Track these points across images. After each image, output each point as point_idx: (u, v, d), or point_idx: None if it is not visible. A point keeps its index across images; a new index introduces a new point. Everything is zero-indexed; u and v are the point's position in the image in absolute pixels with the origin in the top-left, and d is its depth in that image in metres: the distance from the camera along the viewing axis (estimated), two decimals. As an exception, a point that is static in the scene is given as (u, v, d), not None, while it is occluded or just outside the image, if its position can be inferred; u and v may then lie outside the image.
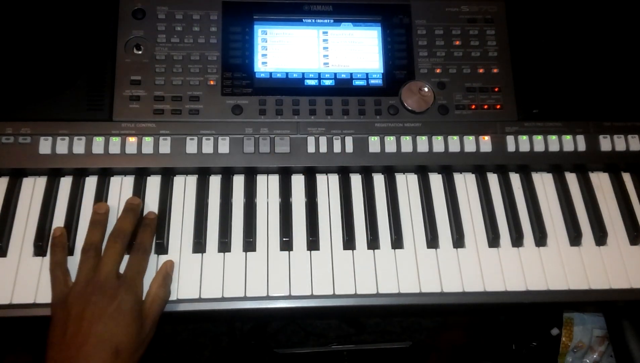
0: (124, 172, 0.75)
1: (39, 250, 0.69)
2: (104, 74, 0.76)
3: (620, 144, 0.79)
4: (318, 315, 1.10)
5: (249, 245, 0.71)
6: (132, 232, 0.69)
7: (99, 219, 0.69)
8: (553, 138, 0.78)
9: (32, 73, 0.75)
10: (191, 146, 0.74)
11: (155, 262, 0.70)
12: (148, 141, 0.74)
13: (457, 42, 0.81)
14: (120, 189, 0.74)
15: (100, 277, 0.63)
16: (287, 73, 0.79)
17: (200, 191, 0.75)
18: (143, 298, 0.65)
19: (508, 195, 0.77)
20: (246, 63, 0.78)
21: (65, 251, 0.68)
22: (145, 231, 0.70)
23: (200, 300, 0.68)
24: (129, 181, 0.75)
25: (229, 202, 0.74)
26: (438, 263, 0.72)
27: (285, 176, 0.77)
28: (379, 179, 0.78)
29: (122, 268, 0.66)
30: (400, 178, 0.78)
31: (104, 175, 0.75)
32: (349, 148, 0.76)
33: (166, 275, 0.68)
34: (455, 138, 0.77)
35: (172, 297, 0.67)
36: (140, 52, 0.77)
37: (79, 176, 0.75)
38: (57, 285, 0.65)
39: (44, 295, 0.66)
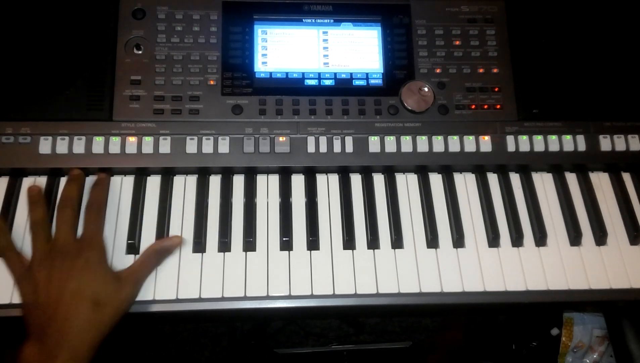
0: (123, 172, 0.75)
1: (39, 250, 0.69)
2: (104, 74, 0.76)
3: (620, 144, 0.78)
4: (318, 315, 1.10)
5: (249, 244, 0.71)
6: (79, 199, 0.69)
7: (35, 199, 0.68)
8: (553, 138, 0.78)
9: (32, 73, 0.75)
10: (191, 146, 0.74)
11: (155, 262, 0.70)
12: (148, 141, 0.74)
13: (457, 42, 0.81)
14: (121, 189, 0.74)
15: (58, 243, 0.63)
16: (287, 73, 0.79)
17: (200, 191, 0.75)
18: (108, 254, 0.66)
19: (508, 195, 0.77)
20: (246, 63, 0.78)
21: (7, 237, 0.67)
22: (96, 189, 0.70)
23: (200, 300, 0.68)
24: (129, 180, 0.75)
25: (229, 202, 0.74)
26: (438, 263, 0.72)
27: (285, 176, 0.77)
28: (379, 179, 0.78)
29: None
30: (400, 177, 0.78)
31: (104, 175, 0.75)
32: (349, 148, 0.76)
33: (170, 245, 0.68)
34: (455, 137, 0.77)
35: (172, 297, 0.67)
36: (140, 52, 0.78)
37: (79, 176, 0.75)
38: (13, 266, 0.64)
39: (44, 295, 0.66)
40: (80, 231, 0.68)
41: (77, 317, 0.58)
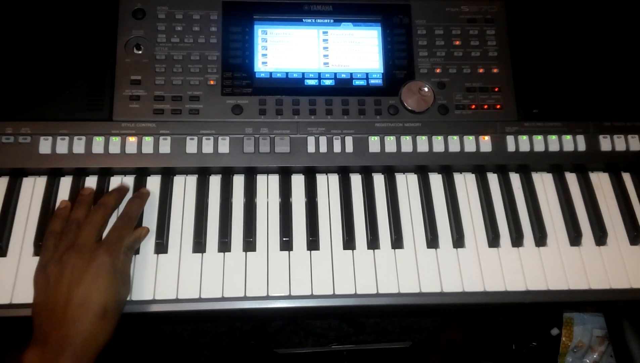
0: (124, 172, 0.75)
1: (39, 250, 0.69)
2: (104, 74, 0.76)
3: (620, 144, 0.78)
4: (318, 315, 1.10)
5: (249, 244, 0.71)
6: (115, 208, 0.70)
7: (84, 199, 0.70)
8: (553, 138, 0.78)
9: (33, 73, 0.75)
10: (191, 146, 0.74)
11: (155, 261, 0.70)
12: (148, 141, 0.74)
13: (457, 42, 0.81)
14: (120, 189, 0.74)
15: (79, 241, 0.63)
16: (287, 73, 0.79)
17: (200, 191, 0.75)
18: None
19: (508, 195, 0.77)
20: (246, 63, 0.78)
21: (63, 224, 0.68)
22: (134, 201, 0.71)
23: (200, 300, 0.68)
24: (129, 181, 0.75)
25: (229, 202, 0.74)
26: (438, 263, 0.72)
27: (285, 176, 0.77)
28: (379, 179, 0.78)
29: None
30: (400, 178, 0.78)
31: (104, 175, 0.75)
32: (349, 148, 0.76)
33: (139, 237, 0.69)
34: (455, 137, 0.77)
35: (172, 297, 0.67)
36: (140, 52, 0.77)
37: (79, 176, 0.75)
38: (44, 253, 0.65)
39: (44, 295, 0.66)
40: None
41: (83, 324, 0.58)
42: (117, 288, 0.62)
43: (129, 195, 0.74)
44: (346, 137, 0.76)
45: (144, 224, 0.72)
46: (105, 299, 0.60)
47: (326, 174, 0.78)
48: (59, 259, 0.62)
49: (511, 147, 0.77)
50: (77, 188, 0.74)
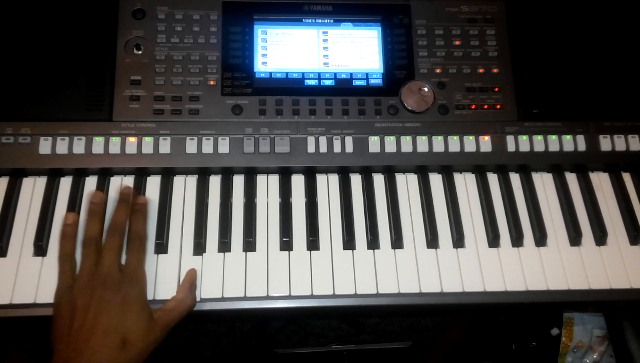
0: (123, 172, 0.75)
1: (39, 250, 0.69)
2: (104, 74, 0.76)
3: (620, 144, 0.79)
4: (318, 315, 1.10)
5: (249, 245, 0.71)
6: (127, 222, 0.69)
7: (95, 210, 0.69)
8: (553, 138, 0.78)
9: (32, 73, 0.75)
10: (191, 146, 0.74)
11: (155, 261, 0.70)
12: (148, 141, 0.74)
13: (457, 42, 0.81)
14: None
15: (103, 270, 0.63)
16: (287, 73, 0.79)
17: (200, 191, 0.75)
18: (147, 288, 0.66)
19: (508, 195, 0.77)
20: (246, 63, 0.78)
21: (75, 242, 0.67)
22: (137, 218, 0.70)
23: (200, 300, 0.68)
24: (129, 181, 0.75)
25: (229, 202, 0.74)
26: (438, 263, 0.72)
27: (285, 176, 0.77)
28: (379, 179, 0.78)
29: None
30: (400, 178, 0.78)
31: (104, 175, 0.75)
32: (349, 148, 0.76)
33: (193, 282, 0.68)
34: (455, 138, 0.77)
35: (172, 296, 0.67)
36: (140, 52, 0.78)
37: (79, 176, 0.75)
38: (63, 277, 0.64)
39: (44, 295, 0.66)
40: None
41: (103, 353, 0.58)
42: (141, 320, 0.62)
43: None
44: (346, 137, 0.76)
45: (144, 225, 0.72)
46: (126, 329, 0.60)
47: (326, 174, 0.78)
48: (84, 286, 0.62)
49: (511, 147, 0.77)
50: (77, 188, 0.74)
